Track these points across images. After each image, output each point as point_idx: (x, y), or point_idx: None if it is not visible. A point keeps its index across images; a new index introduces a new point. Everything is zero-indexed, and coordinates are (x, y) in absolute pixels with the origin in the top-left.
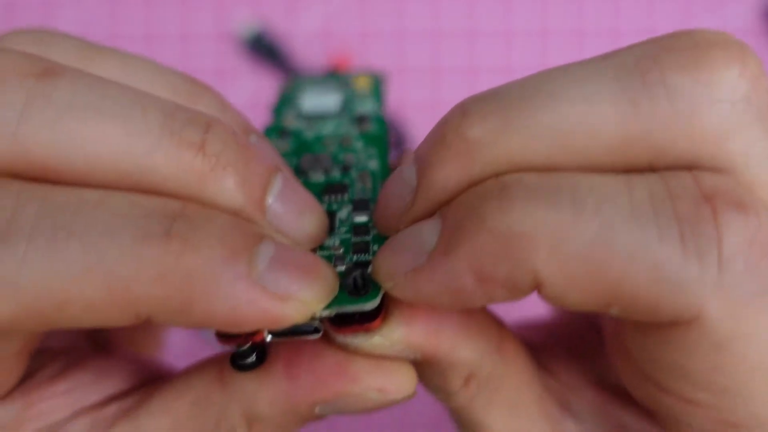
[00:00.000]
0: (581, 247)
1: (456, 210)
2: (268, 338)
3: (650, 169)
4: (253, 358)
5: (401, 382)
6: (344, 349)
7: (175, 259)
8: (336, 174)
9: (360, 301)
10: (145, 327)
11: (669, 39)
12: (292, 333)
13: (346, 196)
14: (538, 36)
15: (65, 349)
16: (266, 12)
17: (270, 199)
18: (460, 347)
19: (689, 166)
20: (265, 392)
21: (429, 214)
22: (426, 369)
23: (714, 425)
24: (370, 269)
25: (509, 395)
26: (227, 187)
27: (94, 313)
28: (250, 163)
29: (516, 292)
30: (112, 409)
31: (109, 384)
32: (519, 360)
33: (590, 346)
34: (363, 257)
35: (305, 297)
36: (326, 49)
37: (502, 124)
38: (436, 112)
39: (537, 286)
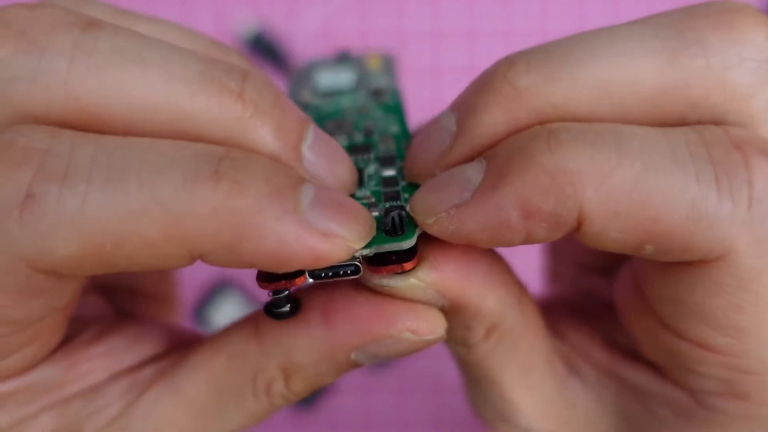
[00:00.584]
0: (625, 184)
1: (503, 150)
2: (309, 281)
3: (682, 124)
4: (287, 307)
5: (433, 323)
6: (379, 292)
7: (224, 197)
8: (359, 138)
9: (398, 239)
10: (165, 296)
11: (702, 6)
12: (332, 275)
13: (372, 155)
14: (538, 36)
15: (98, 317)
16: (266, 12)
17: (304, 147)
18: (487, 296)
19: (716, 122)
20: (302, 341)
21: (467, 159)
22: (451, 318)
23: (725, 372)
24: (405, 211)
25: (524, 354)
26: (265, 132)
27: (151, 249)
28: (285, 113)
29: (558, 228)
30: (148, 371)
31: (144, 348)
32: (535, 317)
33: (594, 313)
34: (395, 203)
35: (347, 235)
36: (326, 48)
37: (548, 74)
38: (436, 112)
39: (579, 223)
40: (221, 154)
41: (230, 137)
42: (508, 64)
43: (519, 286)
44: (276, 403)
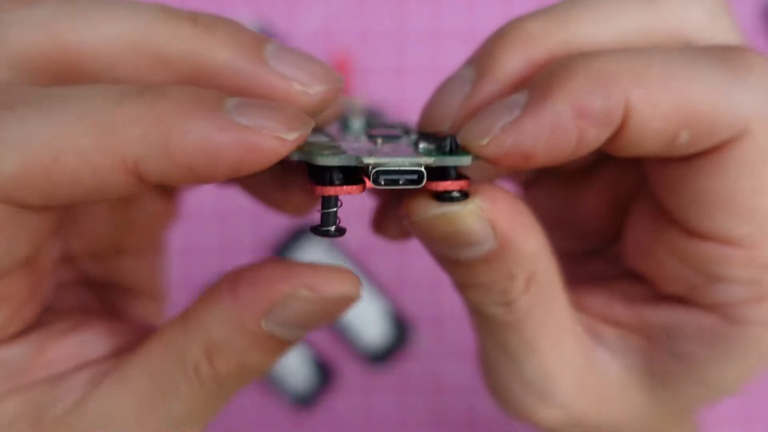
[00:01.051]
0: (658, 77)
1: (543, 72)
2: (378, 186)
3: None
4: (332, 227)
5: (332, 279)
6: (431, 226)
7: (148, 106)
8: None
9: (458, 155)
10: (153, 294)
11: None
12: (390, 181)
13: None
14: None
15: (77, 309)
16: (266, 12)
17: (267, 54)
18: (528, 235)
19: (705, 40)
20: (215, 315)
21: (490, 100)
22: (495, 265)
23: (750, 271)
24: (458, 142)
25: (556, 319)
26: (218, 40)
27: (85, 161)
28: (241, 29)
29: (607, 125)
30: (109, 363)
31: (112, 342)
32: (560, 278)
33: (603, 277)
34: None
35: (274, 125)
36: (326, 49)
37: (555, 18)
38: None
39: (626, 116)
40: (148, 86)
41: (189, 52)
42: (518, 19)
43: (546, 238)
44: (208, 387)
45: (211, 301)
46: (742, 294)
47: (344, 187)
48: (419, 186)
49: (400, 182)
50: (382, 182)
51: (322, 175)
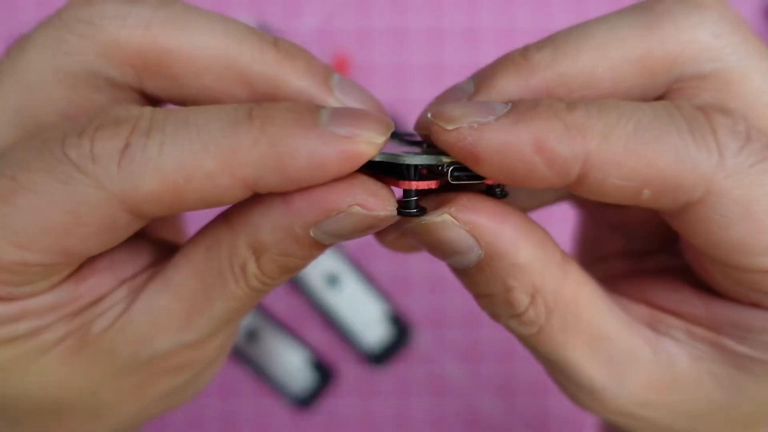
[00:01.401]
0: (623, 136)
1: (529, 101)
2: (453, 181)
3: (666, 83)
4: (414, 209)
5: (382, 200)
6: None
7: (259, 130)
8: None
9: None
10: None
11: None
12: (468, 178)
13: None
14: (539, 35)
15: None
16: (266, 11)
17: (333, 84)
18: (519, 244)
19: (696, 75)
20: (266, 219)
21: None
22: (489, 275)
23: None
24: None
25: (589, 324)
26: (298, 69)
27: (212, 181)
28: (313, 58)
29: (560, 172)
30: (145, 275)
31: (142, 259)
32: (588, 286)
33: (673, 268)
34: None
35: (365, 132)
36: (326, 47)
37: (555, 50)
38: None
39: (581, 175)
40: (251, 104)
41: (269, 75)
42: (523, 48)
43: (558, 250)
44: (253, 285)
45: (261, 206)
46: None
47: (428, 181)
48: (482, 181)
49: (471, 179)
50: (457, 178)
51: (407, 173)
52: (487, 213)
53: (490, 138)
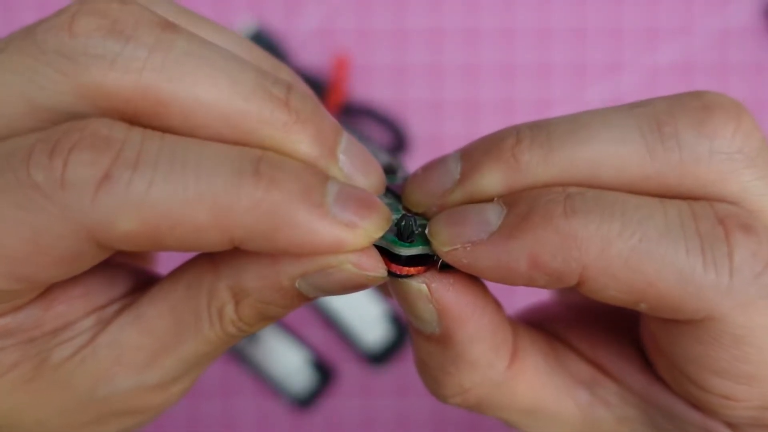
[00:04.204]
0: (624, 252)
1: (524, 202)
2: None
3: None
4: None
5: (374, 261)
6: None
7: (264, 193)
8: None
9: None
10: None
11: (684, 99)
12: (450, 267)
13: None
14: (540, 34)
15: None
16: (265, 11)
17: (339, 151)
18: (476, 344)
19: (702, 198)
20: (251, 265)
21: (462, 204)
22: (437, 348)
23: (752, 411)
24: (426, 230)
25: (523, 403)
26: (307, 137)
27: (198, 234)
28: (323, 120)
29: (558, 281)
30: (117, 305)
31: (117, 288)
32: (530, 370)
33: (632, 331)
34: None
35: (366, 225)
36: (326, 48)
37: (547, 153)
38: (436, 111)
39: (579, 282)
40: (259, 155)
41: (276, 140)
42: (515, 138)
43: (509, 350)
44: (228, 330)
45: (246, 256)
46: (748, 422)
47: (417, 268)
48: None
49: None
50: (447, 265)
51: (398, 259)
52: (462, 302)
53: (485, 258)
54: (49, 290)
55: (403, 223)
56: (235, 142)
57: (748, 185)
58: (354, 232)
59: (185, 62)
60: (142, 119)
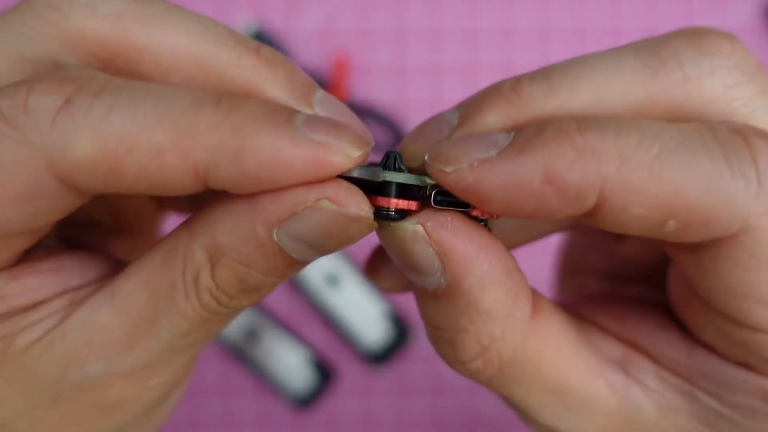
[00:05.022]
0: (646, 162)
1: (534, 125)
2: (435, 205)
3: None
4: (393, 212)
5: (352, 195)
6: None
7: (224, 115)
8: None
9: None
10: (142, 238)
11: (674, 31)
12: (452, 204)
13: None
14: (539, 34)
15: (50, 240)
16: (266, 11)
17: (315, 101)
18: (488, 287)
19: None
20: (226, 216)
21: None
22: (446, 304)
23: None
24: (426, 157)
25: (549, 377)
26: (278, 79)
27: (158, 158)
28: (297, 71)
29: (574, 202)
30: (92, 287)
31: (94, 269)
32: (556, 336)
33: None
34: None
35: (342, 144)
36: (326, 48)
37: (549, 86)
38: (435, 111)
39: (598, 203)
40: (223, 94)
41: (246, 81)
42: (514, 79)
43: (530, 302)
44: (205, 301)
45: (223, 204)
46: None
47: (407, 201)
48: (467, 210)
49: (457, 204)
50: (440, 202)
51: (385, 189)
52: (465, 240)
53: (494, 175)
54: (17, 262)
55: (388, 157)
56: (206, 87)
57: (752, 101)
58: (329, 149)
59: (161, 12)
60: (118, 63)
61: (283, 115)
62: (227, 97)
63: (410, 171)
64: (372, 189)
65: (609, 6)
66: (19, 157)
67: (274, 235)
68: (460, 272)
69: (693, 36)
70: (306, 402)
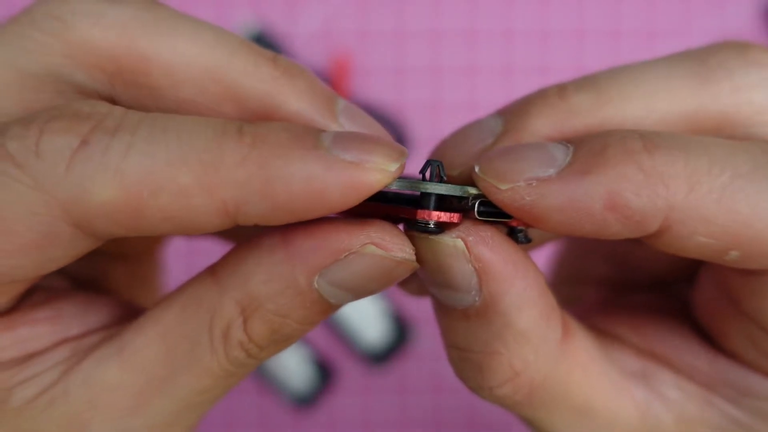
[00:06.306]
0: (716, 189)
1: (595, 141)
2: (479, 216)
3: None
4: (432, 224)
5: (398, 239)
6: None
7: (249, 147)
8: None
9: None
10: (143, 275)
11: (719, 43)
12: (495, 215)
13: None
14: (539, 36)
15: (47, 285)
16: (266, 12)
17: (338, 111)
18: (525, 308)
19: (748, 137)
20: (261, 267)
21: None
22: (479, 324)
23: None
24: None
25: (577, 401)
26: (298, 89)
27: (185, 199)
28: (316, 81)
29: (636, 227)
30: (95, 337)
31: (95, 317)
32: (584, 357)
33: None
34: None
35: (377, 159)
36: (326, 48)
37: (598, 95)
38: (436, 112)
39: (661, 229)
40: (243, 122)
41: (264, 92)
42: (558, 86)
43: (561, 323)
44: (234, 356)
45: (255, 254)
46: None
47: (450, 213)
48: (508, 220)
49: (500, 215)
50: (483, 213)
51: (426, 201)
52: (504, 257)
53: (553, 197)
54: (13, 308)
55: (430, 166)
56: (220, 99)
57: None
58: (364, 168)
59: (169, 20)
60: (126, 76)
61: (310, 138)
62: (248, 125)
63: (449, 180)
64: (405, 200)
65: (609, 7)
66: (31, 204)
67: (315, 283)
68: (498, 291)
69: (739, 48)
70: (306, 401)
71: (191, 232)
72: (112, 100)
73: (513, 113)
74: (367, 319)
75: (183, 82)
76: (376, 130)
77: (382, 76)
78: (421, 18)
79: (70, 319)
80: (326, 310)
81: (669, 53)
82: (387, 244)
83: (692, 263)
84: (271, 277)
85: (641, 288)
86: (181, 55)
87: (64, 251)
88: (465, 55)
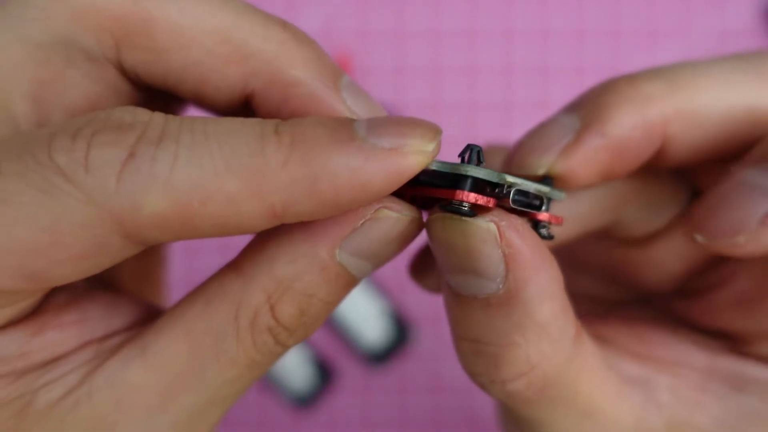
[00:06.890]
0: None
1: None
2: (513, 205)
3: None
4: (466, 206)
5: (400, 203)
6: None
7: (289, 148)
8: None
9: (555, 189)
10: (152, 275)
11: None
12: (525, 206)
13: None
14: (539, 36)
15: (70, 285)
16: (266, 11)
17: (342, 86)
18: (546, 301)
19: None
20: (283, 249)
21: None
22: (498, 313)
23: None
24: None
25: (584, 401)
26: (306, 55)
27: (234, 206)
28: (323, 51)
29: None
30: (118, 338)
31: (119, 318)
32: (593, 357)
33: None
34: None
35: (414, 141)
36: (326, 48)
37: (670, 82)
38: (436, 112)
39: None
40: (276, 120)
41: (271, 55)
42: (629, 76)
43: (576, 320)
44: (262, 342)
45: (275, 240)
46: None
47: (486, 197)
48: (540, 211)
49: (530, 206)
50: (517, 202)
51: (463, 183)
52: (533, 246)
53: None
54: (40, 310)
55: (471, 151)
56: (227, 61)
57: None
58: (403, 152)
59: None
60: (133, 38)
61: (345, 130)
62: (283, 124)
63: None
64: (438, 183)
65: (609, 7)
66: (84, 218)
67: (337, 256)
68: (524, 279)
69: None
70: (306, 401)
71: (238, 233)
72: (119, 65)
73: (586, 107)
74: (367, 319)
75: (190, 43)
76: (377, 110)
77: (382, 76)
78: (421, 18)
79: (95, 322)
80: (349, 283)
81: (669, 53)
82: (395, 206)
83: (680, 274)
84: (295, 257)
85: (631, 303)
86: (189, 16)
87: (112, 259)
88: (465, 55)
